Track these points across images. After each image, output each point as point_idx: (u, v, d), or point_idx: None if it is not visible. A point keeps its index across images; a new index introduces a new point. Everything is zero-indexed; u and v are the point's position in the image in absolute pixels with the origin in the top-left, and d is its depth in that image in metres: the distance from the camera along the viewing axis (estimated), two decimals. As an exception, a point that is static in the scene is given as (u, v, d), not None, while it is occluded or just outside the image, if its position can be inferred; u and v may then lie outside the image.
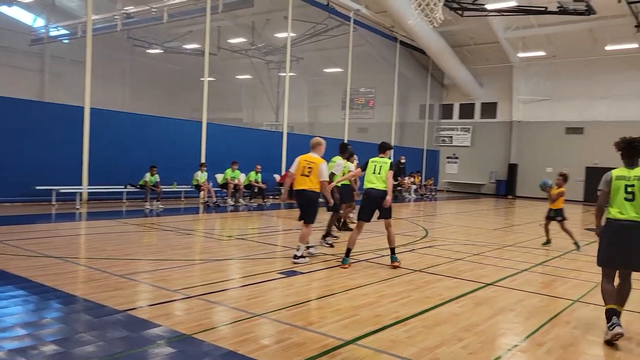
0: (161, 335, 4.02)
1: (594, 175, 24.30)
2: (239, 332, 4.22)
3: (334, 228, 9.31)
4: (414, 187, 23.18)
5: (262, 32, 22.76)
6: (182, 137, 15.92)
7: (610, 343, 4.34)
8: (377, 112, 27.23)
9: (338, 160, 9.24)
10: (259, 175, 16.29)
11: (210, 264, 6.97)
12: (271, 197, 17.84)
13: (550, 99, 26.11)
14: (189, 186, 15.23)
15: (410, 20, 11.81)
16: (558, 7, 18.44)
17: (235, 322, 4.49)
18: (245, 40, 23.68)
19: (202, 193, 15.48)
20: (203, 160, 15.82)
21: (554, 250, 9.52)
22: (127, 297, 5.10)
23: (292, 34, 19.58)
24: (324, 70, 25.77)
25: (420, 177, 25.09)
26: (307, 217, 7.20)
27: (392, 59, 25.51)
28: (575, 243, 9.63)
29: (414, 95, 28.50)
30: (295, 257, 7.08)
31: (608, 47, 21.51)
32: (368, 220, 7.21)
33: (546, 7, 19.04)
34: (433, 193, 25.51)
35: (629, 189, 4.45)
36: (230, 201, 15.25)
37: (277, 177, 18.42)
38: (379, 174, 7.09)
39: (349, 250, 7.11)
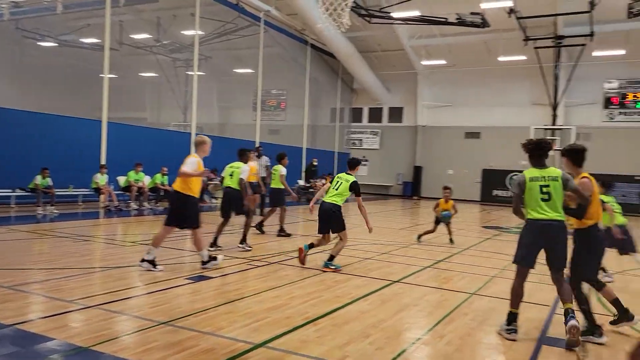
0: (55, 349, 3.70)
1: (490, 176, 26.29)
2: (142, 341, 4.00)
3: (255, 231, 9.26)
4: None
5: (168, 29, 21.93)
6: (80, 136, 14.85)
7: (573, 344, 4.27)
8: (289, 114, 27.35)
9: (243, 166, 8.88)
10: (165, 177, 15.65)
11: (111, 272, 6.55)
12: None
13: (451, 105, 27.78)
14: (88, 189, 14.26)
15: (319, 24, 11.98)
16: (457, 19, 19.69)
17: (139, 331, 4.25)
18: (150, 36, 22.68)
19: (102, 197, 14.54)
20: (103, 161, 14.88)
21: (455, 247, 10.10)
22: (15, 309, 4.64)
23: (200, 32, 19.07)
24: (235, 70, 25.41)
25: (332, 179, 25.56)
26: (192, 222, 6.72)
27: (303, 62, 25.76)
28: (451, 239, 10.57)
29: (325, 98, 29.00)
30: (202, 263, 6.86)
31: (501, 58, 23.32)
32: (325, 233, 7.37)
33: (446, 19, 20.24)
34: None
35: (544, 190, 4.50)
36: (133, 205, 14.49)
37: (185, 179, 17.81)
38: (336, 189, 7.34)
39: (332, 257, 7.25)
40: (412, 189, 28.41)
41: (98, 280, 6.11)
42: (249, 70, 23.81)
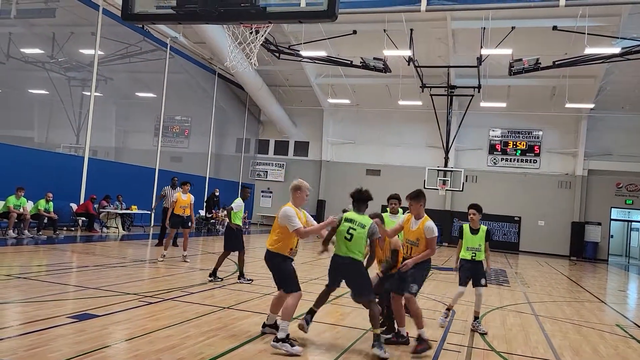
0: None
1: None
2: (8, 393, 3.55)
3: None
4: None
5: (64, 46, 20.61)
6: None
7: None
8: (193, 142, 26.69)
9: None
10: (50, 204, 14.42)
11: (-22, 310, 5.81)
12: (65, 228, 15.91)
13: (354, 143, 28.87)
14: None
15: (227, 62, 11.98)
16: (361, 63, 20.73)
17: (5, 381, 3.77)
18: (43, 52, 21.15)
19: (-25, 223, 13.01)
20: (-22, 184, 13.39)
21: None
22: None
23: (100, 52, 18.19)
24: (137, 93, 24.40)
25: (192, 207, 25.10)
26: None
27: (210, 91, 25.47)
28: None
29: (232, 128, 28.77)
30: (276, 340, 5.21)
31: (400, 102, 24.81)
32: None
33: (351, 61, 21.24)
34: (247, 226, 25.72)
35: (350, 231, 5.37)
36: (12, 233, 13.12)
37: (74, 206, 16.55)
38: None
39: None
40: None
41: (-40, 320, 5.39)
42: (152, 95, 23.02)
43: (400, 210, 7.72)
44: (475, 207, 6.96)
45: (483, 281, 6.87)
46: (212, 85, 25.52)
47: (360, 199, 5.57)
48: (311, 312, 5.63)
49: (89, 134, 17.60)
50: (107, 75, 20.89)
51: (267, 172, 30.53)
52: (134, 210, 18.27)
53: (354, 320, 6.63)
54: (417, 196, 5.81)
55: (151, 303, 6.79)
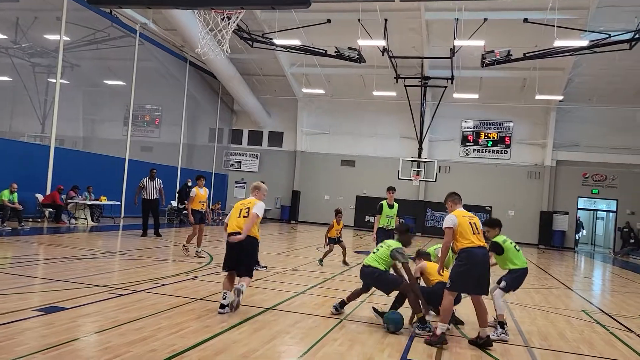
0: None
1: (363, 203, 27.54)
2: (-30, 389, 3.42)
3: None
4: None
5: (28, 31, 19.88)
6: None
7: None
8: (164, 131, 26.21)
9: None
10: (15, 194, 13.96)
11: (-63, 305, 5.57)
12: (31, 220, 15.45)
13: (328, 133, 28.83)
14: None
15: (198, 49, 11.72)
16: (335, 52, 20.64)
17: (-33, 377, 3.63)
18: (6, 37, 20.36)
19: None
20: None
21: (327, 273, 10.32)
22: None
23: (66, 38, 17.60)
24: (105, 81, 23.75)
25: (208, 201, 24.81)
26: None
27: (182, 79, 25.00)
28: (345, 262, 11.54)
29: (204, 118, 28.35)
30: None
31: (375, 93, 24.86)
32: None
33: (325, 51, 21.13)
34: (221, 217, 25.49)
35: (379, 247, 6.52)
36: (-25, 224, 12.67)
37: (40, 197, 16.07)
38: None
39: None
40: (289, 213, 28.71)
41: None
42: (121, 83, 22.45)
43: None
44: (488, 223, 6.52)
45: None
46: (184, 73, 25.05)
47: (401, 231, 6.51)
48: (342, 303, 6.56)
49: (55, 123, 17.07)
50: (73, 62, 20.28)
51: (240, 162, 30.26)
52: (104, 201, 17.86)
53: (329, 310, 6.63)
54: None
55: (122, 295, 6.65)
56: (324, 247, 11.78)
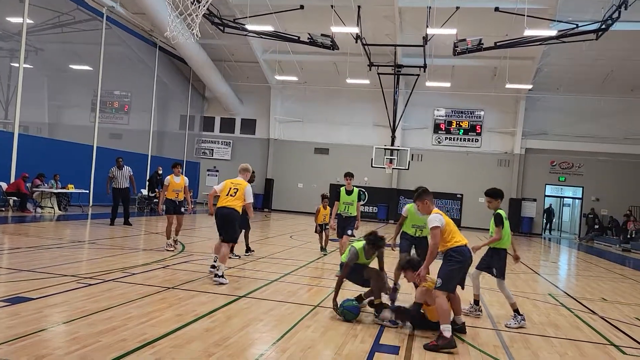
0: None
1: (336, 191, 27.56)
2: None
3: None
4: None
5: (-11, 13, 19.07)
6: None
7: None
8: (133, 118, 25.63)
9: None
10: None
11: None
12: (-4, 208, 14.97)
13: (302, 121, 28.71)
14: None
15: (167, 32, 11.39)
16: (308, 39, 20.48)
17: None
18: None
19: None
20: None
21: (301, 260, 10.33)
22: None
23: (29, 21, 16.96)
24: (71, 66, 23.01)
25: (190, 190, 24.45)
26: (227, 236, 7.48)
27: (151, 64, 24.44)
28: (323, 248, 11.76)
29: (175, 105, 27.82)
30: (215, 275, 7.23)
31: (348, 80, 24.83)
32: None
33: (299, 37, 20.94)
34: (192, 206, 25.16)
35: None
36: None
37: (4, 185, 15.55)
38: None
39: None
40: (263, 202, 28.57)
41: None
42: (88, 68, 21.80)
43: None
44: (491, 194, 6.39)
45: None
46: (153, 58, 24.48)
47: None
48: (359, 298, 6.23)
49: (19, 109, 16.49)
50: (37, 46, 19.60)
51: (212, 150, 29.89)
52: (71, 189, 17.41)
53: (303, 297, 6.63)
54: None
55: (90, 285, 6.50)
56: (315, 232, 12.01)
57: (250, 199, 7.72)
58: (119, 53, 22.61)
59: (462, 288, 5.61)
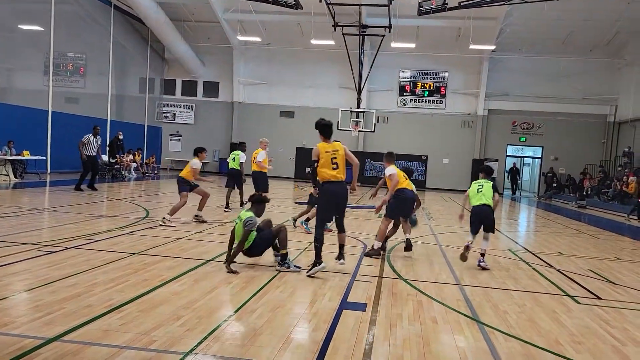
0: None
1: (303, 154, 27.53)
2: None
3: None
4: (134, 165, 21.91)
5: None
6: None
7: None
8: (90, 81, 24.59)
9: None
10: None
11: None
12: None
13: (267, 84, 28.18)
14: None
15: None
16: (272, -3, 19.89)
17: None
18: None
19: None
20: None
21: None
22: None
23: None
24: (20, 26, 21.72)
25: (141, 155, 23.87)
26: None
27: (107, 25, 23.30)
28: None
29: (133, 67, 26.78)
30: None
31: (313, 41, 24.37)
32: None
33: (262, -5, 20.29)
34: (155, 171, 24.70)
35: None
36: None
37: (-46, 153, 14.80)
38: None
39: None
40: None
41: None
42: (39, 28, 20.62)
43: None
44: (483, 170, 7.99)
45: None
46: (109, 18, 23.33)
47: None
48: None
49: (-35, 72, 15.55)
50: (-18, 4, 18.35)
51: (175, 114, 29.14)
52: (27, 156, 16.75)
53: (271, 260, 6.66)
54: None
55: (52, 252, 6.34)
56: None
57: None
58: (71, 12, 21.42)
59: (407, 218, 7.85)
